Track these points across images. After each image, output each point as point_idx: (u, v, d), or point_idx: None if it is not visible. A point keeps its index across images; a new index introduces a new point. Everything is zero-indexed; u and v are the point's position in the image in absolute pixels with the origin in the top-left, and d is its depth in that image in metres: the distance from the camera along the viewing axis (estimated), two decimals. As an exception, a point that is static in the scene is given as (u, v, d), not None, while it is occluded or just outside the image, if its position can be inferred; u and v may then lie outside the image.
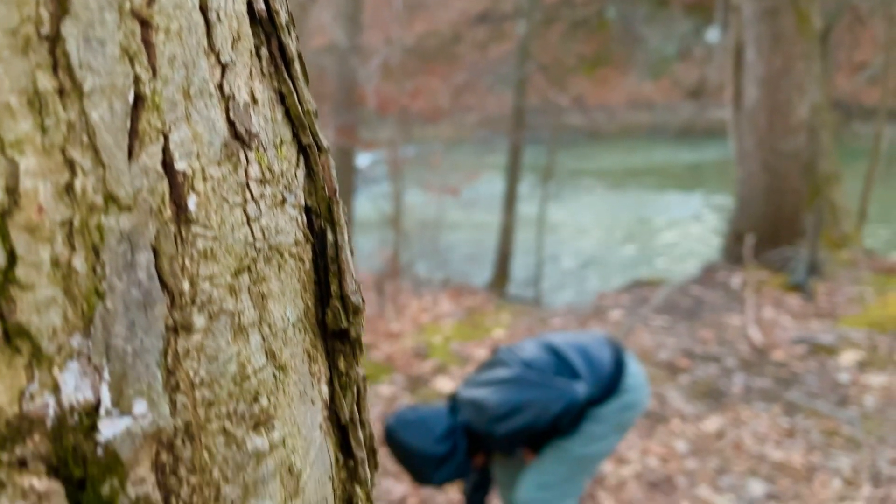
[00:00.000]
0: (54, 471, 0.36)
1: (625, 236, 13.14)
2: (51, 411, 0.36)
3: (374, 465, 0.54)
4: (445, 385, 4.32)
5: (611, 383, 2.36)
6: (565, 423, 2.27)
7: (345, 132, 7.94)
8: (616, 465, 3.52)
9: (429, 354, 4.86)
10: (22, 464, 0.35)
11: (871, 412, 3.97)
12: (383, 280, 6.82)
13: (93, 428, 0.37)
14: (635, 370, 2.46)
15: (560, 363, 2.35)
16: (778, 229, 6.57)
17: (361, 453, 0.52)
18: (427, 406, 2.50)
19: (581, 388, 2.28)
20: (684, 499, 3.28)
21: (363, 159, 9.68)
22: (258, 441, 0.43)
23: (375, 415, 4.07)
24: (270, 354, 0.44)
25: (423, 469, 2.33)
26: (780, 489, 3.33)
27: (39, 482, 0.36)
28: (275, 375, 0.44)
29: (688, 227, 13.28)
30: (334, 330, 0.49)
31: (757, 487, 3.35)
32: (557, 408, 2.23)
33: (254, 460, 0.43)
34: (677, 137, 21.78)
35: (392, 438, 2.36)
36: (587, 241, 12.99)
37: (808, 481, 3.39)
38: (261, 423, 0.43)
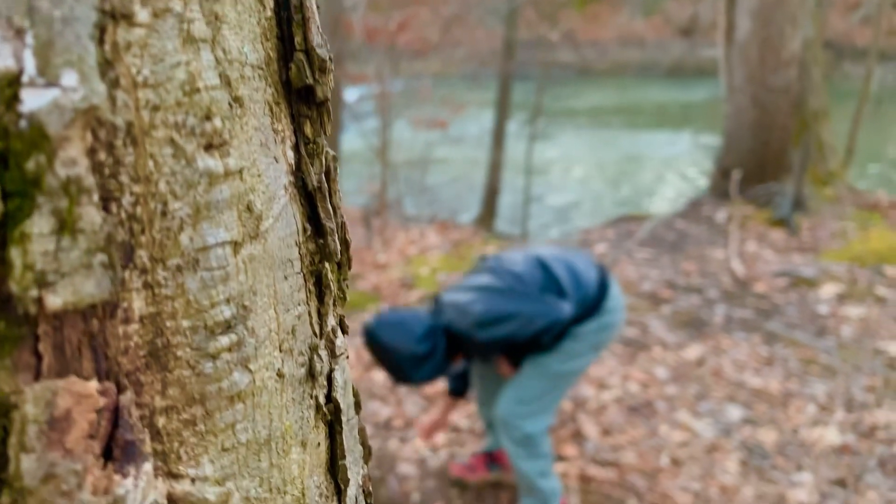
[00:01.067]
0: None
1: (613, 174, 13.13)
2: None
3: (347, 261, 0.52)
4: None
5: (593, 304, 2.41)
6: (546, 338, 2.32)
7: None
8: (597, 390, 3.60)
9: (415, 285, 4.90)
10: None
11: (847, 342, 4.06)
12: (371, 214, 6.82)
13: (15, 98, 0.35)
14: (616, 293, 2.50)
15: (548, 279, 2.39)
16: (764, 165, 6.59)
17: (331, 224, 0.50)
18: (407, 308, 2.54)
19: (567, 308, 2.32)
20: (664, 422, 3.36)
21: (350, 94, 9.58)
22: (210, 161, 0.40)
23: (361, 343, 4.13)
24: (225, 80, 0.41)
25: (402, 368, 2.38)
26: (757, 414, 3.42)
27: None
28: (230, 104, 0.42)
29: (676, 166, 13.28)
30: (299, 88, 0.46)
31: (734, 412, 3.44)
32: (541, 323, 2.27)
33: (206, 180, 0.41)
34: (667, 76, 21.62)
35: (373, 338, 2.41)
36: (575, 178, 12.99)
37: (784, 407, 3.48)
38: (213, 144, 0.41)
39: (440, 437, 3.04)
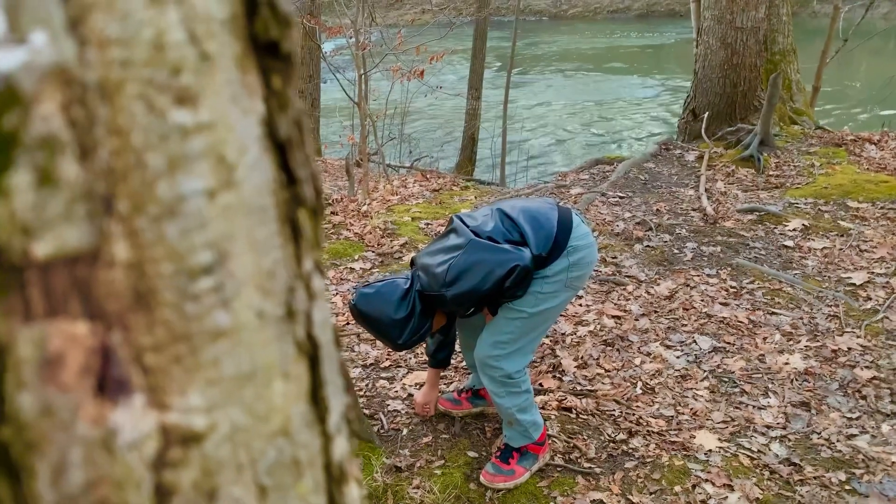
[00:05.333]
0: None
1: (586, 118, 13.21)
2: None
3: (320, 208, 0.55)
4: (413, 260, 4.49)
5: (556, 245, 2.54)
6: (512, 285, 2.46)
7: (309, 16, 7.81)
8: (574, 326, 3.76)
9: (398, 232, 5.01)
10: None
11: (812, 273, 4.25)
12: (352, 164, 6.88)
13: None
14: (583, 231, 2.63)
15: (509, 228, 2.53)
16: (733, 105, 6.72)
17: (304, 173, 0.52)
18: (382, 279, 2.68)
19: (526, 253, 2.46)
20: (637, 354, 3.53)
21: (326, 46, 9.52)
22: (182, 115, 0.43)
23: (348, 288, 4.26)
24: (192, 36, 0.43)
25: (388, 333, 2.54)
26: (726, 344, 3.60)
27: None
28: (199, 59, 0.44)
29: (648, 109, 13.37)
30: (265, 42, 0.48)
31: (704, 342, 3.62)
32: (501, 272, 2.41)
33: (178, 133, 0.43)
34: (638, 19, 21.54)
35: (356, 311, 2.57)
36: (550, 123, 13.04)
37: (751, 336, 3.66)
38: (185, 99, 0.43)
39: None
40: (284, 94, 0.50)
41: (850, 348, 3.52)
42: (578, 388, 3.28)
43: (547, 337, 3.64)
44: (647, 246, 4.67)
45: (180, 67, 0.43)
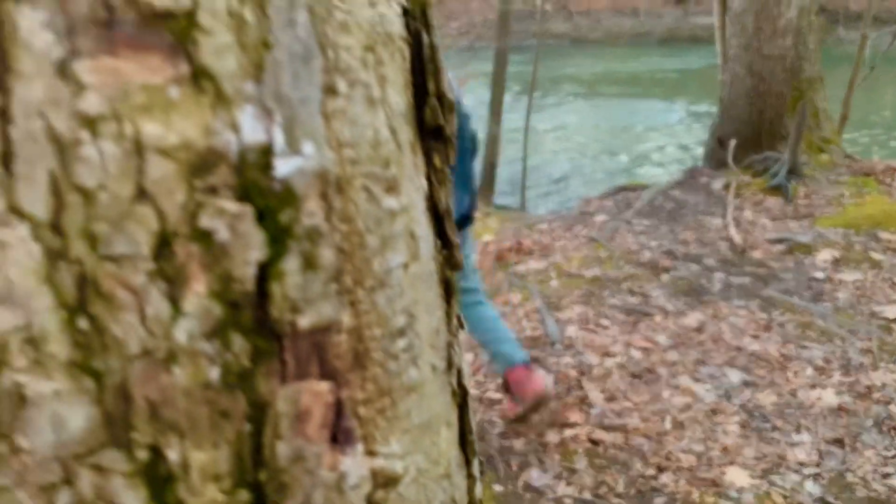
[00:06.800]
0: (241, 198, 0.43)
1: (609, 144, 13.17)
2: (233, 147, 0.42)
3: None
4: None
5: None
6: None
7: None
8: (601, 358, 3.70)
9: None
10: (213, 190, 0.42)
11: (843, 306, 4.16)
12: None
13: (268, 166, 0.44)
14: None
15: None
16: (760, 133, 6.66)
17: (455, 240, 0.59)
18: None
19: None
20: (666, 387, 3.47)
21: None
22: (391, 201, 0.50)
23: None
24: (392, 131, 0.51)
25: None
26: (756, 378, 3.53)
27: (232, 204, 0.42)
28: (397, 150, 0.51)
29: (671, 135, 13.32)
30: (431, 127, 0.55)
31: (734, 376, 3.55)
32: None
33: (388, 217, 0.50)
34: (661, 44, 21.56)
35: None
36: (571, 148, 13.02)
37: (782, 370, 3.58)
38: (391, 187, 0.50)
39: None
40: (443, 171, 0.58)
41: (884, 384, 3.43)
42: (606, 422, 3.22)
43: (573, 368, 3.59)
44: (675, 276, 4.61)
45: (389, 160, 0.50)
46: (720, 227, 5.43)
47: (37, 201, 0.38)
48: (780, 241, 5.03)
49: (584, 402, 3.35)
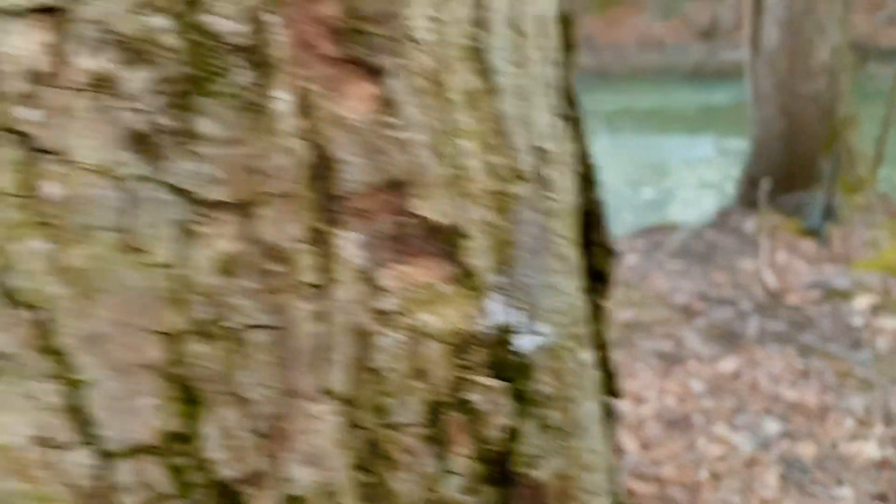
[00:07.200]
0: (491, 372, 0.49)
1: (635, 179, 13.13)
2: (486, 330, 0.50)
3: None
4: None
5: None
6: None
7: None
8: (635, 405, 3.64)
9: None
10: (471, 366, 0.48)
11: (883, 354, 4.07)
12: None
13: (513, 344, 0.50)
14: None
15: None
16: (794, 174, 6.59)
17: (616, 371, 0.67)
18: None
19: None
20: (701, 436, 3.40)
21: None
22: (584, 355, 0.56)
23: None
24: (579, 290, 0.58)
25: None
26: (794, 427, 3.45)
27: (488, 379, 0.49)
28: (584, 307, 0.59)
29: (698, 171, 13.25)
30: (596, 270, 0.61)
31: (772, 426, 3.47)
32: None
33: (582, 369, 0.56)
34: (688, 79, 21.53)
35: None
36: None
37: (821, 420, 3.50)
38: (584, 342, 0.56)
39: None
40: (604, 308, 0.64)
41: (928, 437, 3.34)
42: (641, 471, 3.15)
43: (607, 414, 3.54)
44: (708, 320, 4.54)
45: (579, 319, 0.57)
46: (753, 269, 5.36)
47: (339, 382, 0.46)
48: (815, 285, 4.95)
49: (617, 450, 3.29)
